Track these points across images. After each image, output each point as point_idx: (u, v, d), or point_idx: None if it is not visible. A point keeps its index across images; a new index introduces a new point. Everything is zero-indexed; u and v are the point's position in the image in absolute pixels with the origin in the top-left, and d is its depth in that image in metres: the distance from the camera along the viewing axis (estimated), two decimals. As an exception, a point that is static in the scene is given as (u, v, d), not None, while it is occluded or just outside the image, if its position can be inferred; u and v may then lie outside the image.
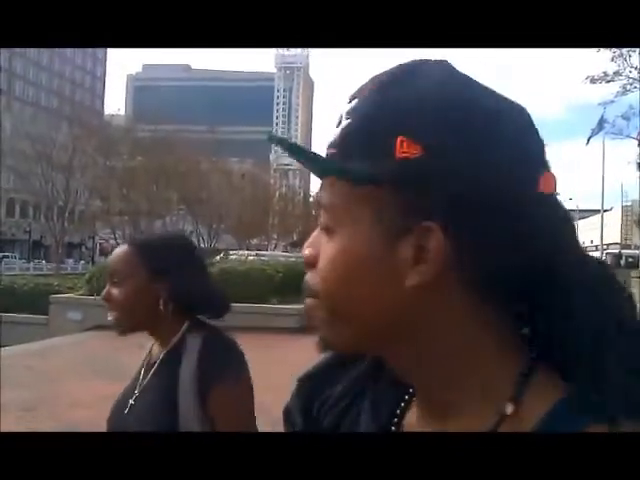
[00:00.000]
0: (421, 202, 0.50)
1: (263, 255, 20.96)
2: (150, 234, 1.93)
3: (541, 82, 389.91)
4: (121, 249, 1.66)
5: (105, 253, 54.97)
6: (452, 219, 0.50)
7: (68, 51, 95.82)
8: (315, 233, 0.57)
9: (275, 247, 58.57)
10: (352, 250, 0.53)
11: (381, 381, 0.62)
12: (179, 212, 52.50)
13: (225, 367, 1.55)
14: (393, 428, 0.60)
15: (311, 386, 0.68)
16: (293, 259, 18.93)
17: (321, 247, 0.55)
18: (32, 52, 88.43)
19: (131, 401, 1.58)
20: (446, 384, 0.55)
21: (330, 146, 0.55)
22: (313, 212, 69.73)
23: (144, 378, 1.60)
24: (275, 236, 63.86)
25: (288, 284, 12.28)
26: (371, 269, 0.52)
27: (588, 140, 30.59)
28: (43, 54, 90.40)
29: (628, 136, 25.37)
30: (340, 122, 0.55)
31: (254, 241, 58.07)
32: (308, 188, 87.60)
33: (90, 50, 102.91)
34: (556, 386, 0.52)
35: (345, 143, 0.54)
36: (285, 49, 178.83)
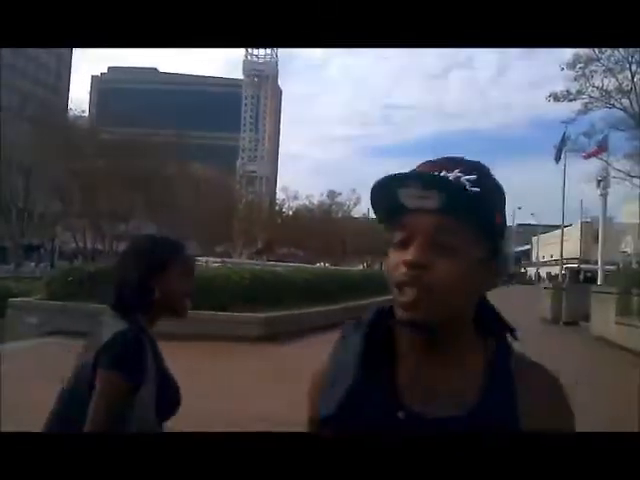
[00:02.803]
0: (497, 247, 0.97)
1: (227, 263, 20.73)
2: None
3: (506, 97, 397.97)
4: None
5: (66, 256, 53.81)
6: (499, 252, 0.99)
7: (31, 49, 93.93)
8: (424, 248, 0.91)
9: (240, 254, 58.18)
10: (472, 264, 0.93)
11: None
12: (142, 216, 51.70)
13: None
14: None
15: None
16: (259, 267, 18.75)
17: (434, 259, 0.90)
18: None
19: None
20: (461, 330, 0.98)
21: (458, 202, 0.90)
22: (279, 220, 69.64)
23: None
24: (241, 243, 63.48)
25: (254, 291, 12.16)
26: (473, 277, 0.93)
27: (557, 158, 31.17)
28: (4, 50, 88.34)
29: (588, 154, 26.00)
30: (460, 184, 0.92)
31: (219, 248, 57.60)
32: (274, 195, 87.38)
33: (54, 48, 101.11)
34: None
35: (473, 206, 0.91)
36: (254, 57, 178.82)
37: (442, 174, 0.92)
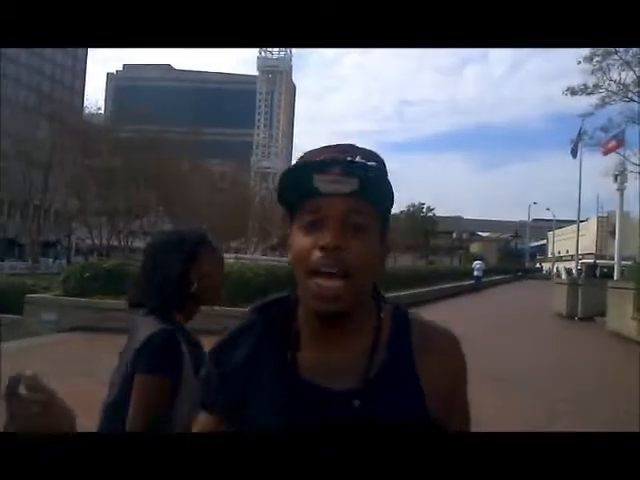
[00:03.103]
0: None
1: (243, 258, 20.83)
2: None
3: (522, 91, 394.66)
4: None
5: (82, 253, 54.32)
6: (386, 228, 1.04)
7: (48, 49, 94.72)
8: (340, 230, 0.94)
9: (254, 250, 58.35)
10: (377, 242, 0.99)
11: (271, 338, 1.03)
12: (158, 213, 52.03)
13: None
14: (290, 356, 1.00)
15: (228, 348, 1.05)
16: (274, 262, 18.80)
17: (349, 240, 0.94)
18: (11, 49, 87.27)
19: None
20: (361, 307, 1.01)
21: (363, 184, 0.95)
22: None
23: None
24: (255, 239, 63.64)
25: (269, 288, 12.19)
26: (379, 253, 1.00)
27: (574, 152, 30.87)
28: (22, 51, 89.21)
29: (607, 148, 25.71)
30: (370, 169, 0.95)
31: (233, 244, 57.82)
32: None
33: (70, 48, 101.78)
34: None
35: (379, 188, 0.97)
36: (268, 53, 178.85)
37: (342, 158, 0.95)
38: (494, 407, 6.37)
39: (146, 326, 1.73)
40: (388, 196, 0.98)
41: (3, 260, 58.92)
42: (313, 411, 0.96)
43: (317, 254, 0.93)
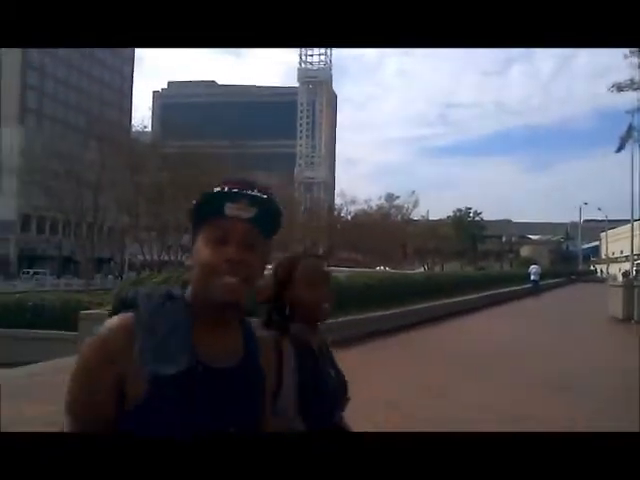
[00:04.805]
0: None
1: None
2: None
3: (569, 89, 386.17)
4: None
5: (134, 268, 55.57)
6: None
7: (95, 69, 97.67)
8: (241, 246, 1.24)
9: (301, 260, 58.46)
10: (264, 257, 1.30)
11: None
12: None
13: None
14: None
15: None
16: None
17: (249, 254, 1.24)
18: (61, 70, 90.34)
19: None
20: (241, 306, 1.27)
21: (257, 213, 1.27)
22: (338, 226, 69.82)
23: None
24: (301, 249, 63.84)
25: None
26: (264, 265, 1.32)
27: (620, 148, 30.06)
28: (72, 71, 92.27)
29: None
30: (266, 201, 1.27)
31: (279, 255, 58.12)
32: (332, 201, 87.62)
33: (117, 68, 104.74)
34: None
35: (272, 216, 1.29)
36: (309, 64, 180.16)
37: (248, 192, 1.25)
38: (559, 414, 6.21)
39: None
40: (275, 224, 1.31)
41: (59, 277, 60.84)
42: (208, 387, 1.22)
43: (224, 264, 1.21)
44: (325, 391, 2.00)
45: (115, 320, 1.25)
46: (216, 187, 1.28)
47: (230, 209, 1.24)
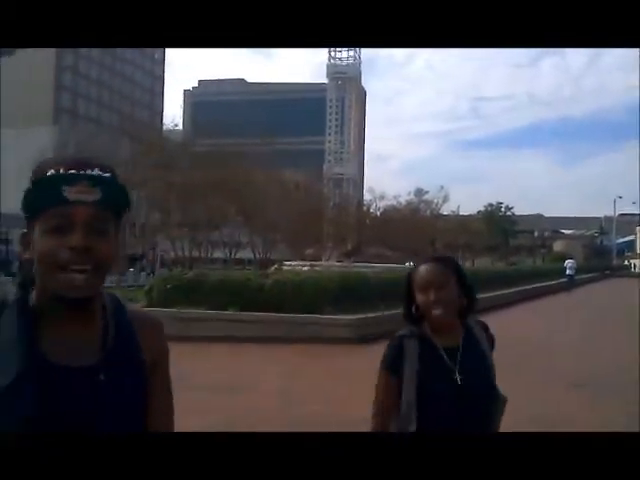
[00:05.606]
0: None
1: (316, 266, 21.00)
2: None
3: (601, 81, 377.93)
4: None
5: (166, 264, 56.27)
6: None
7: (127, 70, 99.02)
8: (86, 233, 1.10)
9: (329, 257, 58.59)
10: (114, 240, 1.16)
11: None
12: (235, 223, 53.27)
13: None
14: None
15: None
16: (347, 269, 18.86)
17: (97, 240, 1.11)
18: (94, 70, 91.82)
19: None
20: (97, 295, 1.20)
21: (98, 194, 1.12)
22: (367, 221, 69.62)
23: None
24: (330, 245, 63.92)
25: (343, 294, 12.27)
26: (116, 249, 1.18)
27: None
28: (104, 71, 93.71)
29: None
30: (110, 181, 1.14)
31: (308, 251, 58.29)
32: (361, 197, 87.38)
33: (148, 68, 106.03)
34: None
35: (119, 197, 1.17)
36: (337, 60, 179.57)
37: (88, 172, 1.12)
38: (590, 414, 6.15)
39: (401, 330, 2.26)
40: (123, 202, 1.18)
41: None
42: (64, 389, 1.10)
43: (68, 253, 1.09)
44: (441, 393, 2.03)
45: None
46: (49, 169, 1.12)
47: (70, 193, 1.09)
